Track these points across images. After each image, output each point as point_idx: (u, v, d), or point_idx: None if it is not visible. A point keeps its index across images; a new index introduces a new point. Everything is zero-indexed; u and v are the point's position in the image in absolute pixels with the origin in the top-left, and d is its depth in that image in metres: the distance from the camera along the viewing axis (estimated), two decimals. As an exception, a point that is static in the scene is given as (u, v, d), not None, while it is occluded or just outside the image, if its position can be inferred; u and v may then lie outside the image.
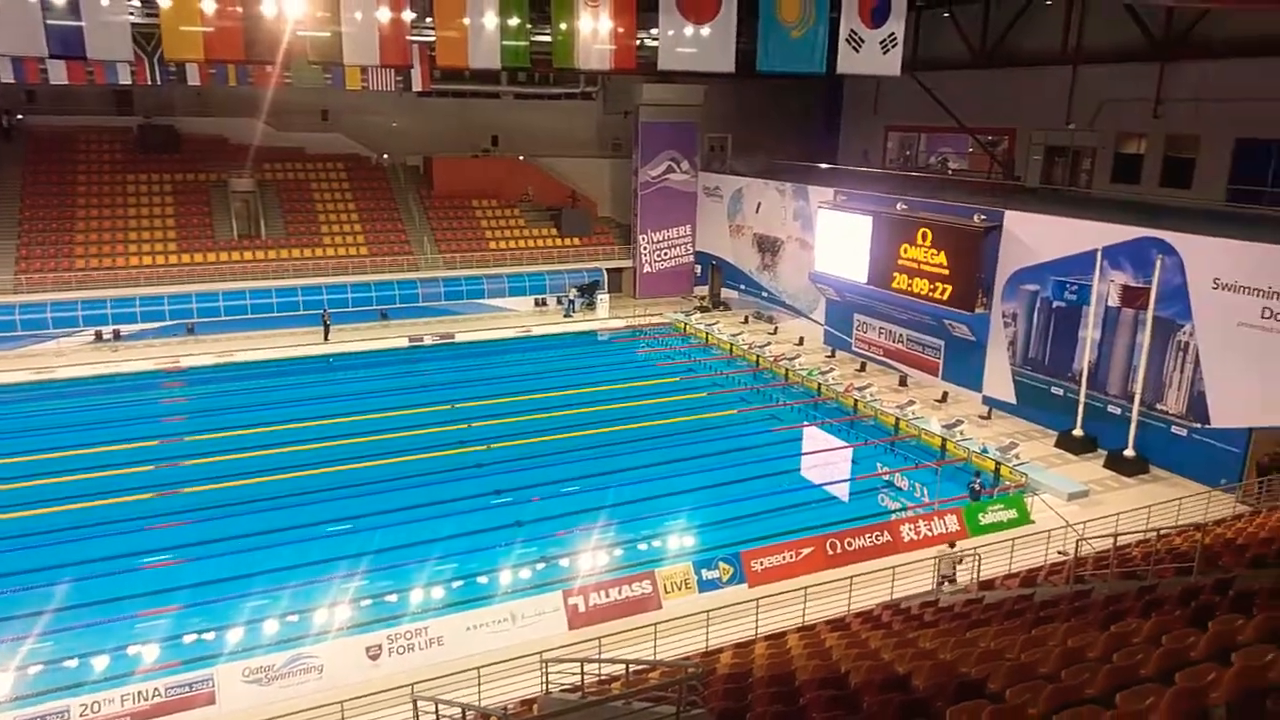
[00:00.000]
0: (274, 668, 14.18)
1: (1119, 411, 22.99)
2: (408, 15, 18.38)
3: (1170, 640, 8.64)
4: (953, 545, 17.24)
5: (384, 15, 17.46)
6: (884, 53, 16.12)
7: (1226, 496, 19.49)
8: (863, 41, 15.99)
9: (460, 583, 17.29)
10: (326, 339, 33.93)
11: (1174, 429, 21.98)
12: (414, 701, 10.34)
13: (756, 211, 38.18)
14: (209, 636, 15.43)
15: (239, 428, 25.33)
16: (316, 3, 17.62)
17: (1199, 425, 21.44)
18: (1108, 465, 22.48)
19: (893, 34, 16.19)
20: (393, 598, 16.68)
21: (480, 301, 38.75)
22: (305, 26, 17.76)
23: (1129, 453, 22.17)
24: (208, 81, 34.50)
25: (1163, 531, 15.26)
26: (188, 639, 15.41)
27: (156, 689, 13.51)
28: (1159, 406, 22.24)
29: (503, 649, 14.83)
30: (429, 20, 19.72)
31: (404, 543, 18.80)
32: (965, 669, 9.09)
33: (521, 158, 43.20)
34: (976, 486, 21.03)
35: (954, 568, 16.55)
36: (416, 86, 35.67)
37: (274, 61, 23.86)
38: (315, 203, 39.63)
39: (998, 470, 22.12)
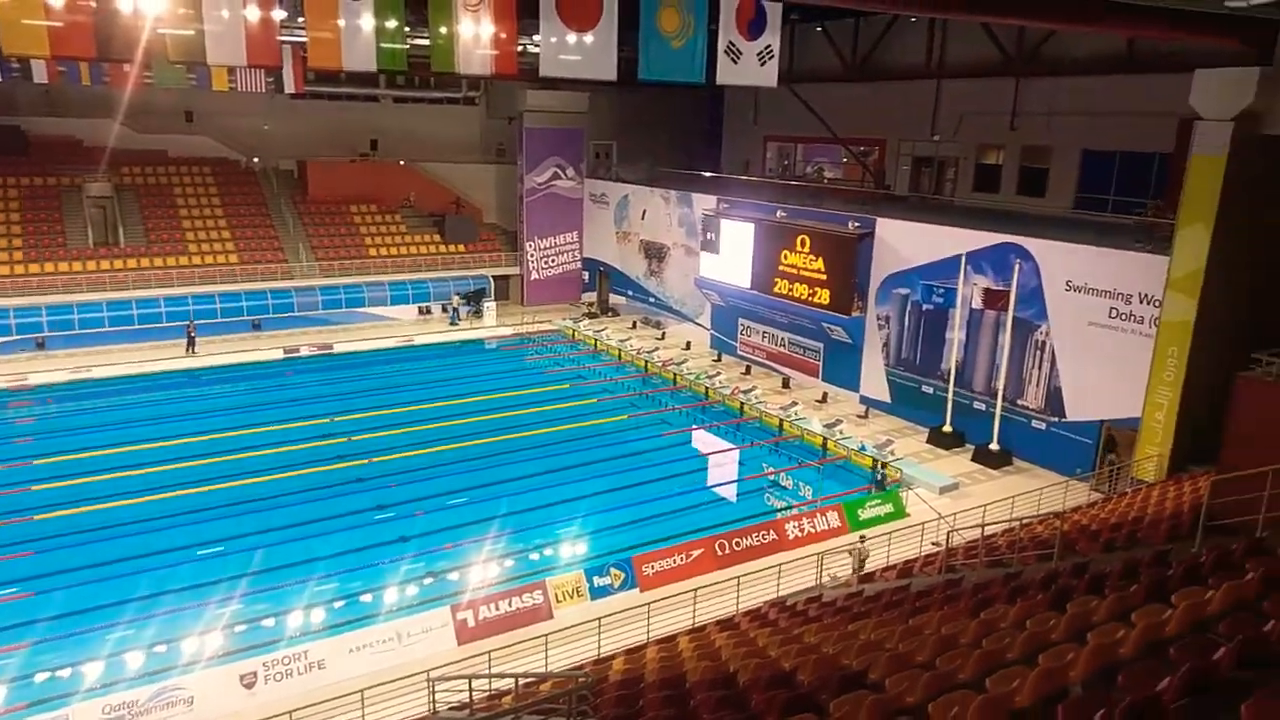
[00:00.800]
0: (138, 703, 13.35)
1: (984, 408, 24.33)
2: (278, 14, 17.68)
3: (1033, 624, 9.21)
4: (863, 540, 17.73)
5: (252, 14, 16.74)
6: (761, 64, 16.57)
7: (1081, 485, 20.91)
8: (741, 53, 16.40)
9: (342, 603, 16.68)
10: (191, 352, 32.25)
11: (1034, 423, 23.42)
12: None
13: (642, 218, 38.57)
14: (63, 674, 14.32)
15: (96, 448, 23.71)
16: (178, -1, 16.76)
17: (1056, 419, 22.91)
18: (975, 459, 23.75)
19: (769, 46, 16.67)
20: (269, 622, 15.92)
21: (360, 310, 37.66)
22: (165, 24, 16.84)
23: (994, 446, 23.49)
24: (57, 79, 32.39)
25: (1025, 520, 16.26)
26: (39, 678, 14.27)
27: None
28: (1020, 402, 23.65)
29: (389, 669, 14.40)
30: (300, 20, 19.07)
31: (281, 564, 18.01)
32: (847, 661, 9.43)
33: (402, 162, 42.26)
34: (879, 477, 21.85)
35: (863, 562, 17.13)
36: (289, 88, 34.49)
37: (131, 60, 22.57)
38: (179, 208, 37.64)
39: (875, 466, 23.01)
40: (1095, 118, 27.09)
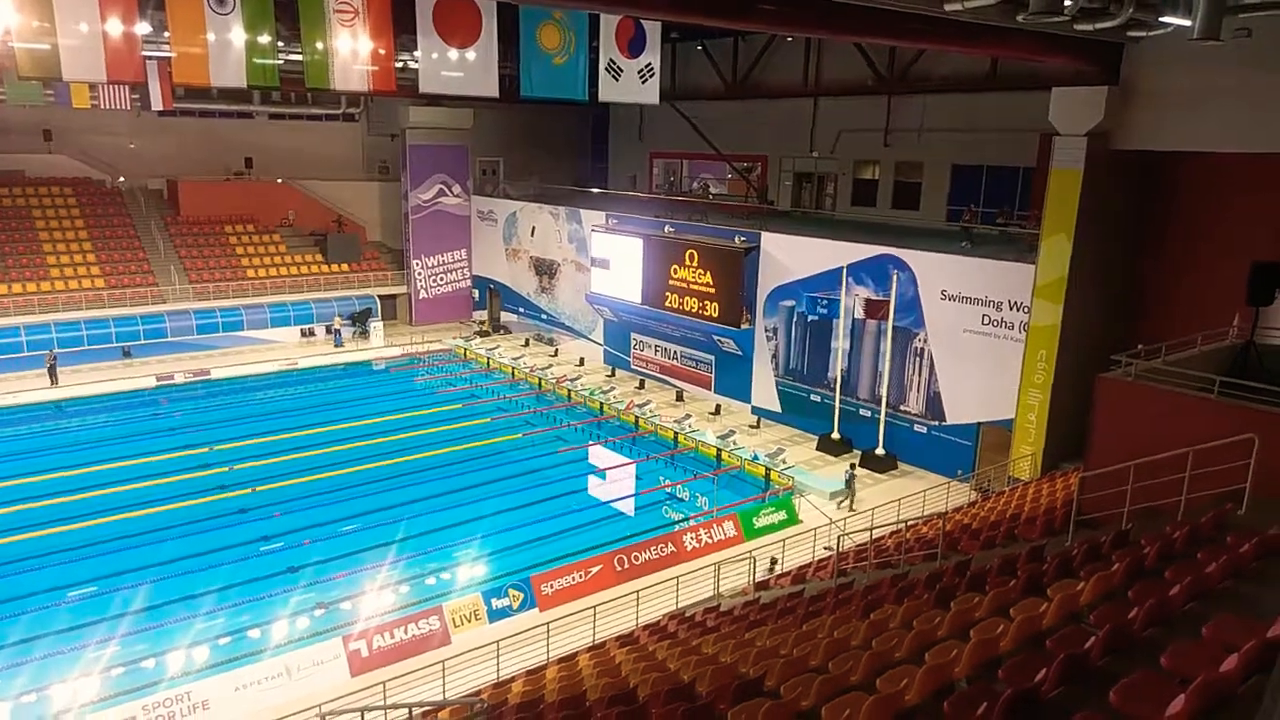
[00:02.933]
0: None
1: (869, 414, 25.18)
2: (141, 29, 16.87)
3: (920, 622, 9.52)
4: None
5: (112, 28, 15.90)
6: (643, 82, 16.80)
7: (962, 486, 21.86)
8: (622, 71, 16.58)
9: (228, 639, 15.95)
10: (54, 383, 30.22)
11: (916, 427, 24.38)
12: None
13: (532, 235, 38.37)
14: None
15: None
16: (31, 11, 15.75)
17: (937, 423, 23.91)
18: (862, 464, 24.51)
19: (649, 64, 16.91)
20: (149, 663, 15.12)
21: (239, 334, 36.08)
22: (17, 38, 15.81)
23: (880, 451, 24.32)
24: None
25: (911, 522, 16.82)
26: None
27: None
28: (902, 407, 24.59)
29: (278, 706, 13.87)
30: (166, 35, 18.21)
31: (161, 601, 17.12)
32: (744, 669, 9.54)
33: (280, 181, 40.78)
34: (847, 474, 22.24)
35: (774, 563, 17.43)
36: (156, 105, 32.75)
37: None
38: (39, 231, 35.27)
39: (768, 475, 23.47)
40: (963, 133, 28.54)
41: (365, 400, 30.80)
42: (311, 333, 37.63)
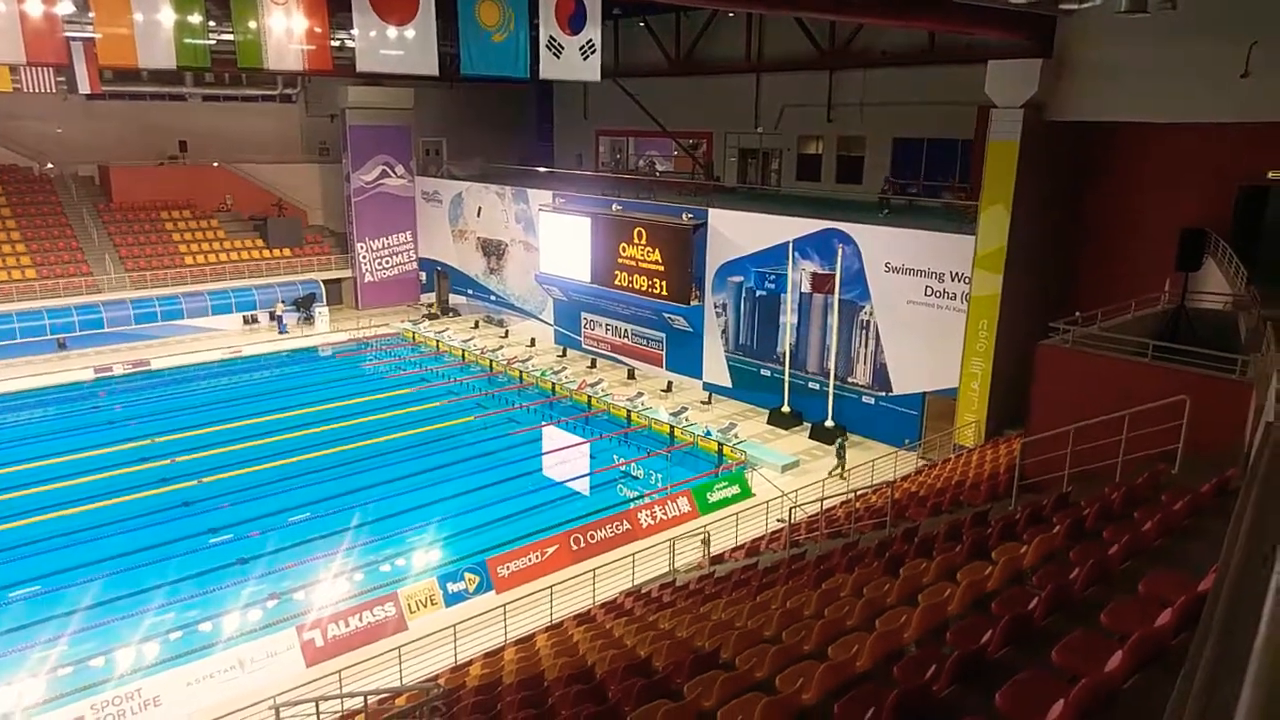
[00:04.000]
0: None
1: (818, 387, 25.52)
2: (63, 8, 16.17)
3: (870, 590, 9.72)
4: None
5: (31, 7, 15.21)
6: (584, 59, 16.61)
7: (909, 454, 22.28)
8: (563, 48, 16.38)
9: (179, 634, 15.67)
10: None
11: (864, 398, 24.78)
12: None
13: (478, 216, 37.95)
14: None
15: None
16: (-61, -11, 15.00)
17: (884, 394, 24.32)
18: (813, 436, 24.87)
19: (590, 40, 16.73)
20: (98, 661, 14.79)
21: (178, 323, 35.16)
22: (-75, 16, 15.06)
23: (829, 423, 24.67)
24: None
25: (861, 491, 17.17)
26: None
27: None
28: (850, 379, 24.95)
29: (232, 699, 13.66)
30: (90, 15, 17.50)
31: (108, 598, 16.74)
32: (700, 643, 9.66)
33: (217, 164, 39.66)
34: (843, 444, 22.43)
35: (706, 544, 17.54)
36: (84, 88, 31.47)
37: (-114, 56, 20.00)
38: (-38, 220, 33.93)
39: (720, 451, 23.67)
40: (904, 107, 28.83)
41: (313, 387, 30.30)
42: (255, 320, 36.84)
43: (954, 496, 14.79)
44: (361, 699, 9.01)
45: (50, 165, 37.18)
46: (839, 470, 21.66)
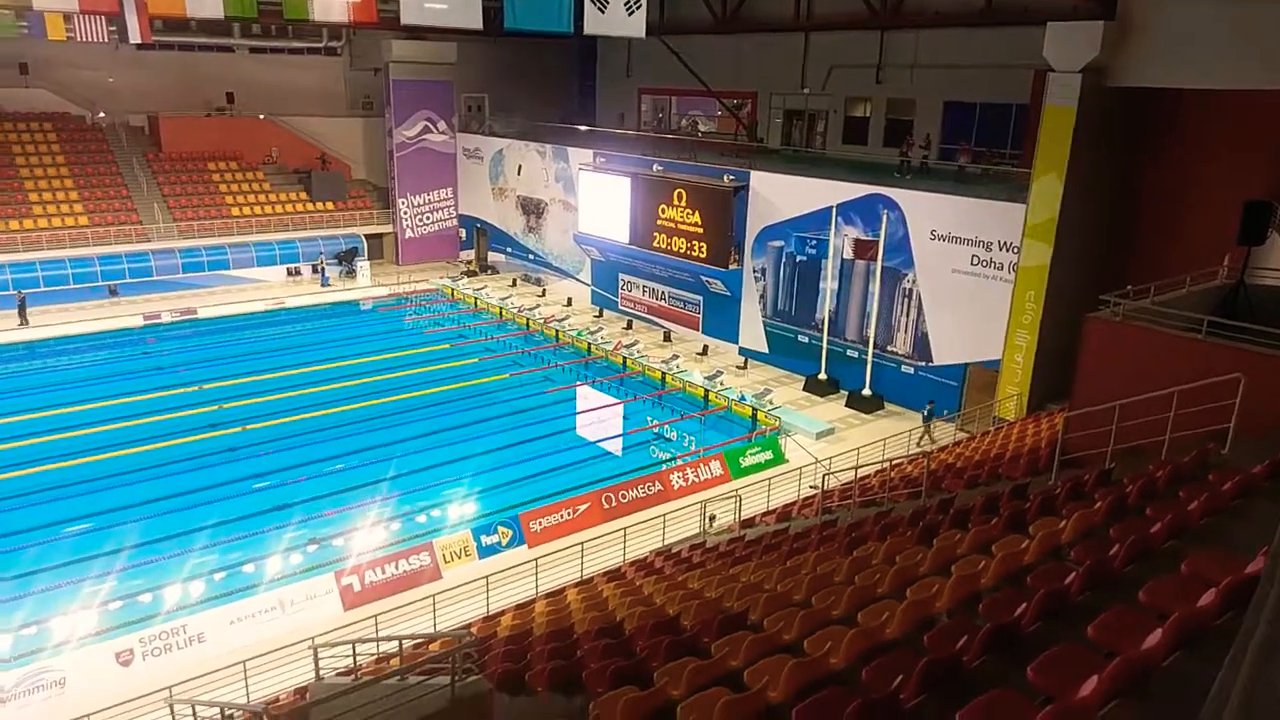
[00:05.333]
0: (5, 688, 12.78)
1: (856, 355, 25.24)
2: (112, -46, 16.26)
3: (902, 559, 9.66)
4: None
5: (82, -48, 15.34)
6: (629, 14, 16.35)
7: (948, 425, 22.02)
8: (607, 3, 16.13)
9: (223, 574, 16.14)
10: (24, 322, 29.81)
11: (903, 368, 24.47)
12: (170, 706, 9.57)
13: (518, 174, 37.85)
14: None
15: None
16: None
17: (924, 363, 24.00)
18: (849, 404, 24.65)
19: (637, -4, 16.48)
20: (146, 598, 15.32)
21: (225, 273, 35.71)
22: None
23: (866, 392, 24.43)
24: None
25: (896, 461, 17.02)
26: None
27: None
28: (890, 348, 24.64)
29: (273, 639, 14.04)
30: (139, -39, 17.57)
31: (156, 538, 17.26)
32: (729, 604, 9.70)
33: (263, 116, 39.93)
34: (926, 412, 22.12)
35: (712, 519, 17.50)
36: (134, 38, 31.68)
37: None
38: (19, 168, 34.55)
39: (754, 416, 23.58)
40: (956, 70, 28.04)
41: (353, 340, 30.68)
42: (298, 272, 37.29)
43: (992, 469, 14.60)
44: (396, 643, 9.21)
45: (102, 114, 37.70)
46: (925, 437, 21.33)
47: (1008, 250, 21.43)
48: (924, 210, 23.14)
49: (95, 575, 15.81)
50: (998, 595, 7.60)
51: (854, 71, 31.33)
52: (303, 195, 39.30)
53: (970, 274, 22.41)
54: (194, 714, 8.15)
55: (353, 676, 9.21)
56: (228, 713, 7.59)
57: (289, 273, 37.17)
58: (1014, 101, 26.26)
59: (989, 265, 22.00)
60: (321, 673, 10.62)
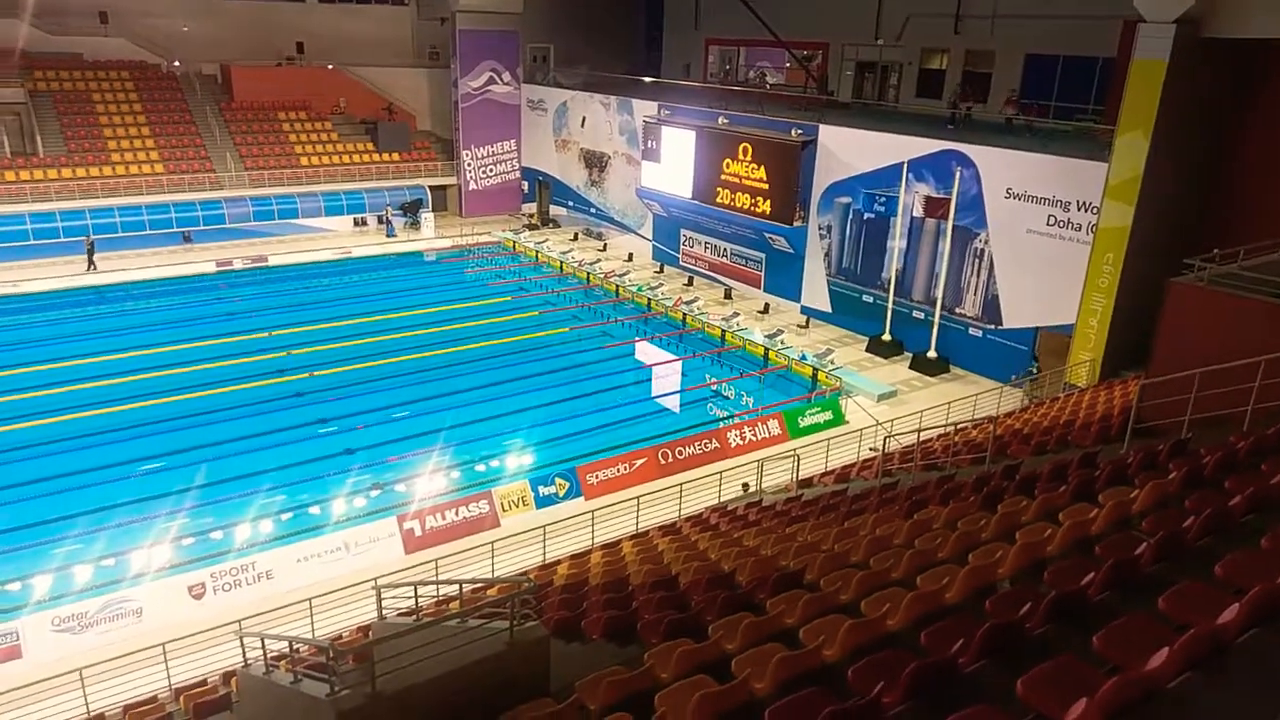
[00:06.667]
0: (87, 614, 13.46)
1: (923, 316, 24.69)
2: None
3: (965, 524, 9.49)
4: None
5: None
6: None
7: (1016, 391, 21.45)
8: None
9: (289, 515, 16.66)
10: (92, 268, 30.76)
11: (971, 331, 23.87)
12: (240, 638, 9.95)
13: (582, 126, 37.59)
14: (13, 587, 14.27)
15: (27, 364, 23.03)
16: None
17: (993, 327, 23.36)
18: (913, 366, 24.19)
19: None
20: (217, 534, 15.93)
21: (294, 222, 36.42)
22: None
23: (932, 354, 23.92)
24: None
25: (960, 425, 16.67)
26: None
27: None
28: (958, 310, 24.03)
29: (337, 579, 14.54)
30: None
31: (226, 477, 17.84)
32: (785, 562, 9.66)
33: (331, 66, 40.27)
34: (1035, 369, 21.83)
35: (745, 486, 17.40)
36: (208, -16, 32.67)
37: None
38: (99, 115, 35.54)
39: (815, 376, 23.31)
40: (1039, 21, 26.80)
41: (417, 291, 31.08)
42: (364, 222, 37.83)
43: (1061, 436, 14.20)
44: (457, 586, 9.41)
45: (177, 63, 38.45)
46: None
47: (1086, 210, 20.61)
48: (1000, 168, 22.34)
49: (168, 512, 16.44)
50: (1064, 563, 7.43)
51: (931, 21, 30.23)
52: (369, 146, 39.68)
53: (1046, 234, 21.64)
54: (263, 647, 8.45)
55: (414, 617, 9.44)
56: (295, 647, 7.83)
57: (355, 223, 37.71)
58: (1099, 55, 25.06)
59: (1066, 226, 21.20)
60: (384, 613, 10.95)
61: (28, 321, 26.79)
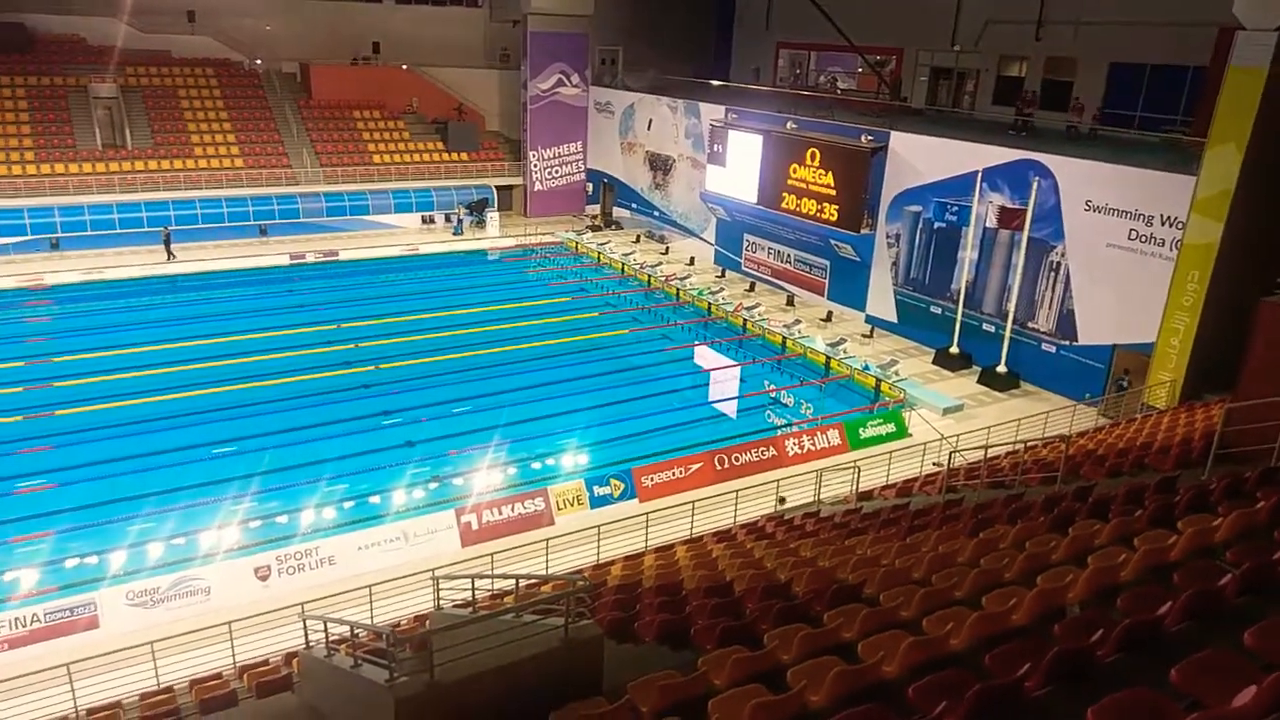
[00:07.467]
0: (159, 590, 13.91)
1: (993, 329, 24.06)
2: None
3: (1033, 545, 9.16)
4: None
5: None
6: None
7: (1090, 410, 20.71)
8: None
9: (351, 503, 16.97)
10: (170, 258, 31.77)
11: (1044, 346, 23.16)
12: (303, 621, 10.14)
13: (648, 129, 37.63)
14: (91, 560, 14.85)
15: (113, 348, 23.95)
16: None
17: (1067, 343, 22.63)
18: (981, 381, 23.57)
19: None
20: (282, 519, 16.32)
21: (364, 218, 37.20)
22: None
23: (1001, 369, 23.28)
24: None
25: (1030, 443, 16.17)
26: (69, 563, 14.83)
27: (36, 615, 13.17)
28: (1031, 325, 23.34)
29: (395, 567, 14.74)
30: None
31: (292, 464, 18.29)
32: (843, 575, 9.45)
33: (405, 66, 41.06)
34: (1125, 383, 21.14)
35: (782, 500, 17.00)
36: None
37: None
38: (184, 110, 36.88)
39: (878, 387, 22.88)
40: (1127, 28, 25.90)
41: (480, 288, 31.45)
42: (432, 220, 38.42)
43: (1137, 459, 13.64)
44: (513, 581, 9.44)
45: (259, 61, 39.62)
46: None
47: (1171, 225, 19.84)
48: (1080, 179, 21.65)
49: (236, 495, 16.89)
50: (1139, 590, 7.10)
51: (1011, 27, 29.50)
52: (439, 145, 40.31)
53: (1126, 249, 20.88)
54: (325, 630, 8.61)
55: (470, 610, 9.51)
56: (355, 631, 7.94)
57: (423, 220, 38.33)
58: (1191, 63, 24.11)
59: (1148, 240, 20.43)
60: (441, 604, 11.06)
61: (109, 308, 27.86)
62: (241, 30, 39.17)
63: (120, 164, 33.88)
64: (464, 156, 40.26)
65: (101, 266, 30.49)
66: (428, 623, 10.43)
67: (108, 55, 35.71)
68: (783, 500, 16.89)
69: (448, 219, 38.23)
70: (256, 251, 33.49)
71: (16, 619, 13.06)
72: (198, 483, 17.39)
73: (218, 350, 24.06)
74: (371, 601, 12.64)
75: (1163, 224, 20.05)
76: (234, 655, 12.08)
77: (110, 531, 15.72)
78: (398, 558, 15.31)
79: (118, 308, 27.86)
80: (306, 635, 10.13)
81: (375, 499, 17.08)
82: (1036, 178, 22.10)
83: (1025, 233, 22.32)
